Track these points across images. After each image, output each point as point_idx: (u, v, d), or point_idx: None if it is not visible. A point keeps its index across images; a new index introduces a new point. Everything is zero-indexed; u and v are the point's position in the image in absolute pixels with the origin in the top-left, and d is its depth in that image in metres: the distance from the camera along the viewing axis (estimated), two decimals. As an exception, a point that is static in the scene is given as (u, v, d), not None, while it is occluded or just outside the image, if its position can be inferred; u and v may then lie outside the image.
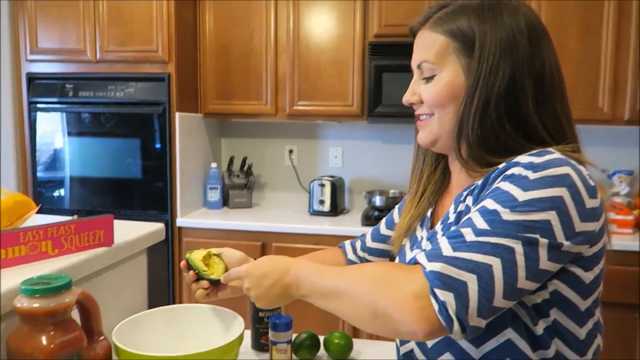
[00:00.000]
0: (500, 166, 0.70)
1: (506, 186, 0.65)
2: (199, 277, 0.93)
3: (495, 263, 0.59)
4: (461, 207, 0.76)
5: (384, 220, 1.06)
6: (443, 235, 0.67)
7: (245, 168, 2.82)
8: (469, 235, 0.62)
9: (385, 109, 2.42)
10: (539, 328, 0.68)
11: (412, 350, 0.80)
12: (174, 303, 2.48)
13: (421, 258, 0.63)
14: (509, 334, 0.68)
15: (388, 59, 2.40)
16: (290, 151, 2.92)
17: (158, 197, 2.50)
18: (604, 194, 2.52)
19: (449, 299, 0.57)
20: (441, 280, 0.58)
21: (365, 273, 0.68)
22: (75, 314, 0.79)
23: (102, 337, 0.81)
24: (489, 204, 0.64)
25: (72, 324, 0.76)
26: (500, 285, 0.59)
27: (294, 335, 1.06)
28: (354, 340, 1.10)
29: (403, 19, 2.39)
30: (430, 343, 0.76)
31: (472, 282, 0.58)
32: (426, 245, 0.83)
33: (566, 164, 0.65)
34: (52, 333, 0.72)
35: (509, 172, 0.66)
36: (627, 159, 2.62)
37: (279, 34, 2.55)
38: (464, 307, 0.57)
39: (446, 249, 0.62)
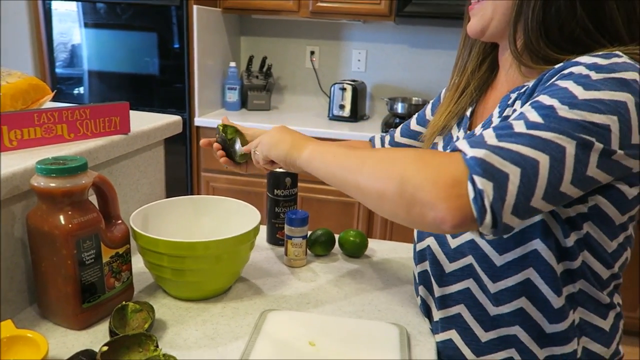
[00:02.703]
0: (557, 66, 0.62)
1: (565, 83, 0.57)
2: (223, 148, 0.97)
3: (543, 160, 0.53)
4: (508, 111, 0.68)
5: (415, 115, 1.01)
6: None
7: (265, 69, 2.74)
8: (519, 126, 0.55)
9: (415, 8, 2.26)
10: (570, 240, 0.65)
11: (429, 247, 0.79)
12: (193, 200, 2.53)
13: (462, 145, 0.56)
14: (537, 244, 0.66)
15: (422, -49, 2.20)
16: (312, 52, 2.81)
17: (176, 95, 2.47)
18: None
19: (488, 188, 0.52)
20: (482, 168, 0.52)
21: (397, 152, 0.61)
22: (93, 199, 0.79)
23: (119, 221, 0.82)
24: (545, 99, 0.57)
25: (89, 206, 0.76)
26: (544, 185, 0.53)
27: (310, 232, 1.07)
28: (369, 239, 1.10)
29: None
30: (453, 243, 0.74)
31: (514, 175, 0.53)
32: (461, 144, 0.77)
33: (634, 69, 0.57)
34: (69, 213, 0.72)
35: (566, 71, 0.59)
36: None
37: None
38: (501, 200, 0.52)
39: (490, 137, 0.55)
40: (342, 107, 2.52)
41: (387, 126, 2.36)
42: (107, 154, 0.95)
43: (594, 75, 0.56)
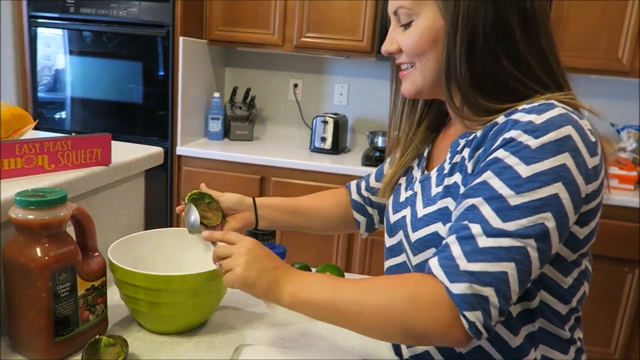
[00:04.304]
0: (499, 121, 0.66)
1: (508, 159, 0.62)
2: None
3: (511, 269, 0.60)
4: (457, 158, 0.73)
5: (388, 159, 1.04)
6: (451, 230, 0.64)
7: (248, 100, 2.78)
8: (480, 237, 0.61)
9: (395, 47, 2.34)
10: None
11: (400, 241, 0.83)
12: (172, 229, 2.51)
13: (438, 272, 0.62)
14: None
15: (403, -7, 2.29)
16: (295, 85, 2.86)
17: (159, 124, 2.48)
18: (611, 148, 2.49)
19: (477, 317, 0.59)
20: (467, 302, 0.59)
21: (385, 296, 0.64)
22: (71, 231, 0.80)
23: (96, 253, 0.82)
24: (494, 183, 0.62)
25: (67, 238, 0.76)
26: (516, 286, 0.60)
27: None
28: (346, 274, 1.11)
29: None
30: (413, 238, 0.77)
31: (492, 295, 0.59)
32: (418, 188, 0.80)
33: (567, 123, 0.62)
34: (46, 245, 0.72)
35: (508, 136, 0.63)
36: (638, 115, 2.57)
37: (290, -41, 2.42)
38: (489, 317, 0.60)
39: (460, 258, 0.61)
40: (323, 139, 2.56)
41: (368, 159, 2.40)
42: (87, 185, 0.95)
43: (533, 143, 0.61)
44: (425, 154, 0.86)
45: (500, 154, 0.63)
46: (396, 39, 0.76)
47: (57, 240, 0.74)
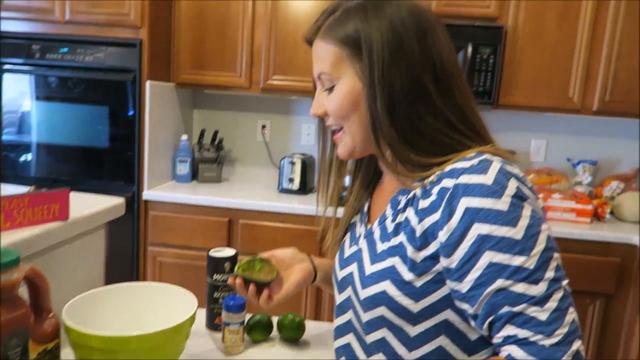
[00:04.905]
0: (448, 186, 0.67)
1: (496, 231, 0.63)
2: (246, 281, 0.91)
3: (571, 313, 0.63)
4: (400, 217, 0.74)
5: None
6: (496, 326, 0.64)
7: (217, 142, 2.80)
8: (536, 313, 0.61)
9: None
10: (473, 334, 0.70)
11: (349, 344, 0.83)
12: (138, 276, 2.47)
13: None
14: (442, 340, 0.71)
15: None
16: (263, 126, 2.90)
17: (125, 168, 2.47)
18: (567, 182, 2.58)
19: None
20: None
21: None
22: (24, 289, 0.79)
23: (50, 315, 0.81)
24: (502, 259, 0.62)
25: (19, 301, 0.75)
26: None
27: (249, 316, 1.07)
28: (307, 322, 1.12)
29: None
30: (369, 339, 0.77)
31: (579, 343, 0.62)
32: (363, 244, 0.81)
33: (509, 175, 0.66)
34: (-4, 310, 0.71)
35: (471, 206, 0.64)
36: (592, 149, 2.69)
37: (257, 4, 2.50)
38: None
39: (540, 340, 0.60)
40: (291, 180, 2.58)
41: (335, 198, 2.43)
42: (44, 242, 0.94)
43: (500, 205, 0.63)
44: (365, 209, 0.88)
45: (482, 229, 0.63)
46: (322, 102, 0.79)
47: (8, 303, 0.73)
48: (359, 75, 0.74)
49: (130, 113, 2.43)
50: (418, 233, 0.70)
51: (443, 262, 0.68)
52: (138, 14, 2.34)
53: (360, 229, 0.87)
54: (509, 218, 0.63)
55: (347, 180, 0.93)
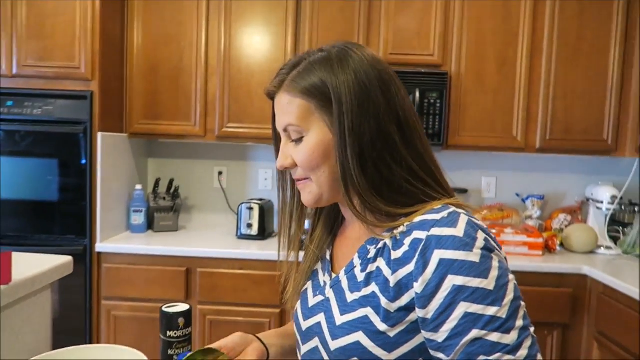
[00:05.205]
0: (420, 236, 0.69)
1: (470, 283, 0.65)
2: None
3: (538, 355, 0.65)
4: (371, 267, 0.75)
5: None
6: None
7: (172, 190, 2.76)
8: (512, 353, 0.63)
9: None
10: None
11: (316, 348, 0.80)
12: (91, 332, 2.35)
13: None
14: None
15: (317, 85, 2.44)
16: (220, 173, 2.89)
17: (77, 221, 2.39)
18: (518, 217, 2.68)
19: None
20: None
21: None
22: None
23: (-11, 387, 0.76)
24: (476, 309, 0.64)
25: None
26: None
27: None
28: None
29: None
30: (333, 346, 0.76)
31: None
32: (330, 293, 0.81)
33: (477, 228, 0.69)
34: None
35: (445, 257, 0.66)
36: (539, 184, 2.82)
37: (209, 54, 2.54)
38: None
39: None
40: (249, 225, 2.56)
41: (295, 243, 2.42)
42: (-16, 308, 0.90)
43: (474, 257, 0.66)
44: (327, 257, 0.88)
45: (457, 280, 0.65)
46: (289, 154, 0.80)
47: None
48: (329, 126, 0.75)
49: (81, 165, 2.38)
50: (392, 284, 0.70)
51: (419, 313, 0.68)
52: (89, 67, 2.33)
53: (324, 278, 0.86)
54: (481, 270, 0.65)
55: (307, 223, 0.94)
